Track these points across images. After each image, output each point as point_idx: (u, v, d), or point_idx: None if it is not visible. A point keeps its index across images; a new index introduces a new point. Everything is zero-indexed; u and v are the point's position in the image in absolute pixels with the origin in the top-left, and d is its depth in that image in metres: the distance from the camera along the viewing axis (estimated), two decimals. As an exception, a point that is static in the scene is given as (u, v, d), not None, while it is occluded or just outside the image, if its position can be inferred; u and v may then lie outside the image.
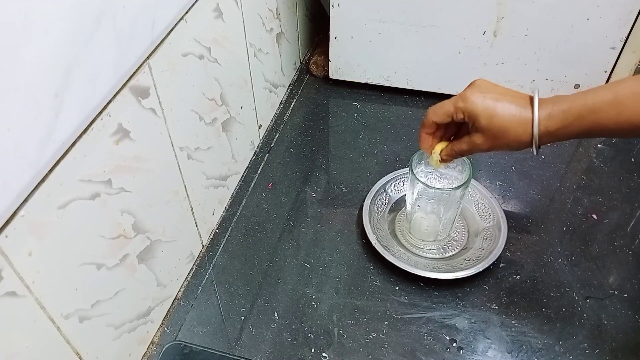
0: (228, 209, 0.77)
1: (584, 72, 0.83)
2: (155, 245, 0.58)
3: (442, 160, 0.60)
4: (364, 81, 0.94)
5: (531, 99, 0.51)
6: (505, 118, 0.50)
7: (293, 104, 0.94)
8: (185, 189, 0.63)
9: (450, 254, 0.69)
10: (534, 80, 0.85)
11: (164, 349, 0.58)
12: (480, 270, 0.64)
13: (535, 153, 0.52)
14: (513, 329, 0.62)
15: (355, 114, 0.91)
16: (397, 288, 0.66)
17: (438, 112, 0.56)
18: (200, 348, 0.58)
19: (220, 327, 0.63)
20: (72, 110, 0.41)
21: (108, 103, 0.46)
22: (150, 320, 0.61)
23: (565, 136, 0.50)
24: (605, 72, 0.82)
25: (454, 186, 0.66)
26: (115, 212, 0.50)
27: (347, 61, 0.92)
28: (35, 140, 0.38)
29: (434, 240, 0.70)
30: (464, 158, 0.64)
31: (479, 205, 0.73)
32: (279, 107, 0.93)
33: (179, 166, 0.61)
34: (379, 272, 0.67)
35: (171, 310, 0.65)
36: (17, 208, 0.38)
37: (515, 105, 0.50)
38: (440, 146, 0.59)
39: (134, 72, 0.49)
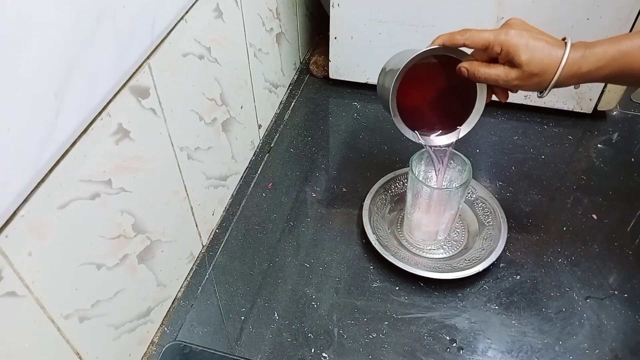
0: (228, 209, 0.77)
1: (584, 72, 0.82)
2: (155, 245, 0.58)
3: (461, 72, 0.56)
4: (364, 81, 0.94)
5: (564, 42, 0.52)
6: (544, 57, 0.51)
7: (293, 104, 0.94)
8: (185, 189, 0.63)
9: (450, 254, 0.69)
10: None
11: (164, 349, 0.58)
12: (480, 270, 0.64)
13: (541, 94, 0.53)
14: (513, 329, 0.62)
15: (355, 114, 0.91)
16: (397, 288, 0.66)
17: (475, 38, 0.54)
18: (200, 348, 0.58)
19: (220, 327, 0.63)
20: (72, 110, 0.41)
21: (108, 103, 0.46)
22: (150, 320, 0.61)
23: (595, 78, 0.52)
24: (605, 72, 0.82)
25: (454, 186, 0.66)
26: (115, 212, 0.50)
27: (347, 61, 0.92)
28: (35, 140, 0.38)
29: (434, 240, 0.70)
30: (464, 158, 0.64)
31: (479, 205, 0.73)
32: (279, 107, 0.93)
33: (179, 166, 0.61)
34: (379, 272, 0.67)
35: (171, 310, 0.65)
36: (17, 208, 0.38)
37: (552, 46, 0.52)
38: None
39: (134, 72, 0.49)
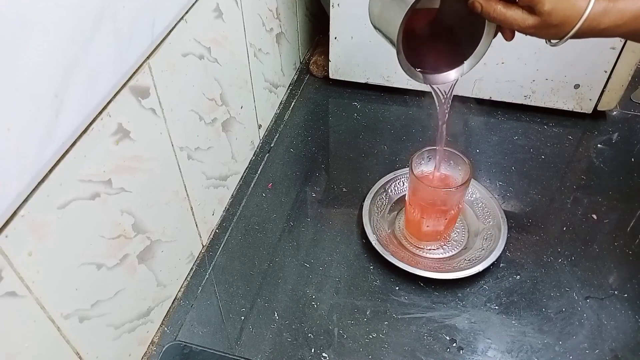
0: (228, 209, 0.77)
1: (584, 72, 0.83)
2: (155, 245, 0.58)
3: (474, 7, 0.51)
4: (364, 81, 0.94)
5: None
6: (567, 9, 0.48)
7: (293, 104, 0.94)
8: (185, 189, 0.63)
9: (450, 254, 0.69)
10: (533, 81, 0.85)
11: (164, 349, 0.58)
12: (480, 270, 0.64)
13: (552, 44, 0.51)
14: (513, 329, 0.62)
15: (355, 114, 0.91)
16: (397, 288, 0.66)
17: None
18: (200, 348, 0.58)
19: (220, 327, 0.63)
20: (72, 110, 0.41)
21: (108, 103, 0.46)
22: (150, 320, 0.61)
23: (611, 35, 0.49)
24: (605, 72, 0.82)
25: (454, 186, 0.66)
26: (115, 212, 0.50)
27: (347, 61, 0.92)
28: (35, 140, 0.38)
29: (434, 240, 0.70)
30: (464, 158, 0.64)
31: (479, 205, 0.73)
32: (279, 107, 0.93)
33: (179, 166, 0.61)
34: (379, 272, 0.67)
35: (171, 310, 0.65)
36: (17, 208, 0.38)
37: None
38: None
39: (134, 72, 0.49)
